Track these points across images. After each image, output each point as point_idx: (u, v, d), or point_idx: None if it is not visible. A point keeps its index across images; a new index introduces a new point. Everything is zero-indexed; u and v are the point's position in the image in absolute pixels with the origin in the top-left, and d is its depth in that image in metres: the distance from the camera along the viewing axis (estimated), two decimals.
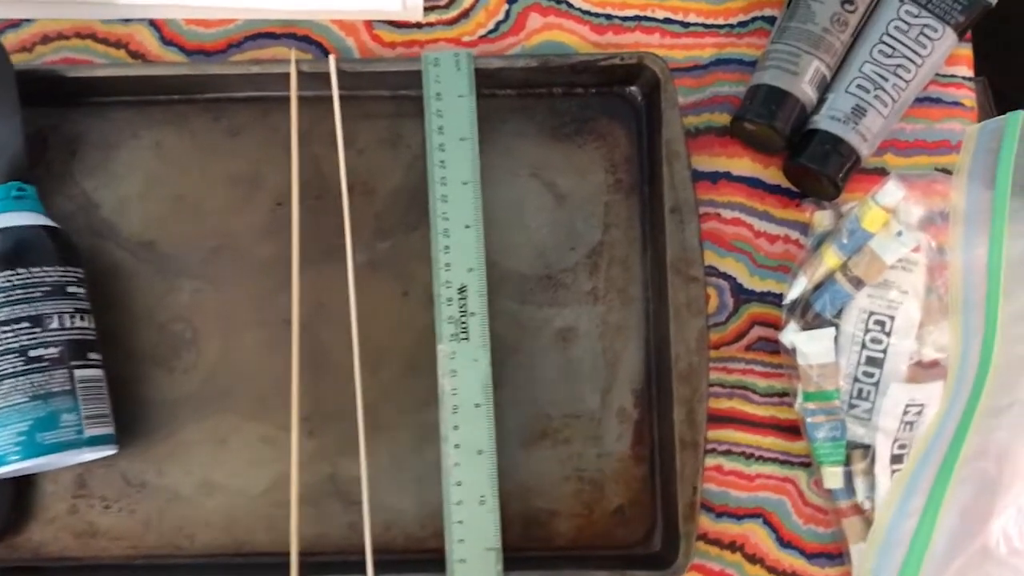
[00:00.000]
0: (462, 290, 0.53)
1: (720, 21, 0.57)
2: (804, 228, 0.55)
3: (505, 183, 0.56)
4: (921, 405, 0.50)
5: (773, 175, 0.56)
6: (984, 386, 0.48)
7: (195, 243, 0.55)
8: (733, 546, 0.53)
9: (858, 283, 0.50)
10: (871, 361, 0.51)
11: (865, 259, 0.50)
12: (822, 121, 0.53)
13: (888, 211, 0.50)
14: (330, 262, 0.55)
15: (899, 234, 0.49)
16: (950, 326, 0.50)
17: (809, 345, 0.50)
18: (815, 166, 0.52)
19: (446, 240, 0.53)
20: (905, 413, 0.50)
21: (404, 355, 0.54)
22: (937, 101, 0.56)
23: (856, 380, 0.51)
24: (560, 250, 0.55)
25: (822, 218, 0.53)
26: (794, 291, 0.52)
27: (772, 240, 0.55)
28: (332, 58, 0.54)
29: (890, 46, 0.53)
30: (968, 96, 0.56)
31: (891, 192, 0.49)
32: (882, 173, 0.55)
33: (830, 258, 0.51)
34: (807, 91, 0.53)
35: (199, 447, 0.54)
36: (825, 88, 0.54)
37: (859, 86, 0.53)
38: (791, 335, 0.52)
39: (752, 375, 0.54)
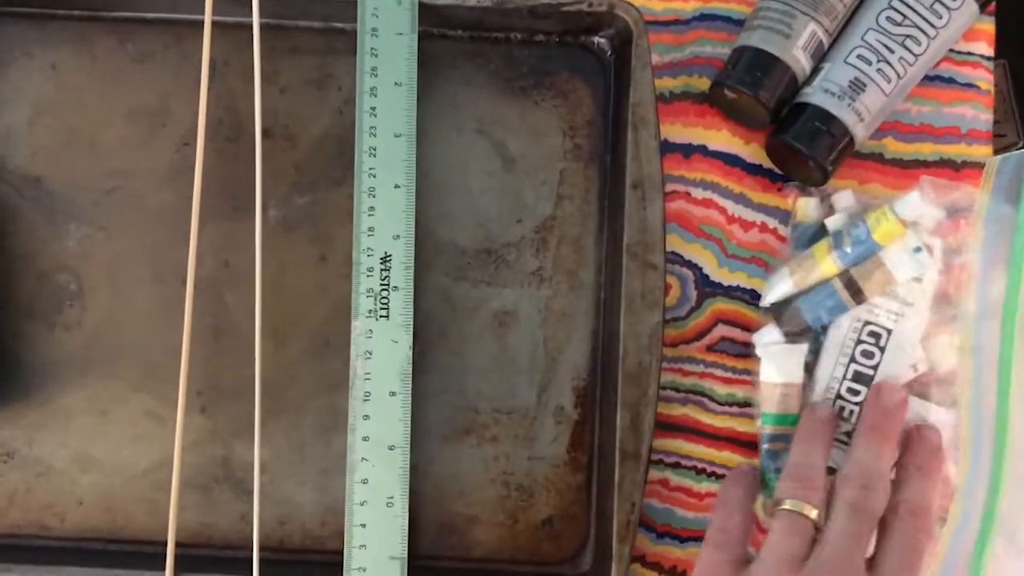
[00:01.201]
0: (385, 259, 0.46)
1: None
2: (784, 216, 0.48)
3: (446, 139, 0.49)
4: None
5: (754, 153, 0.49)
6: (1006, 448, 0.42)
7: (87, 183, 0.48)
8: (673, 572, 0.47)
9: (859, 295, 0.43)
10: (859, 377, 0.45)
11: (873, 272, 0.43)
12: (814, 94, 0.46)
13: (906, 224, 0.43)
14: (240, 216, 0.48)
15: (917, 250, 0.42)
16: (960, 370, 0.44)
17: (777, 359, 0.44)
18: (802, 146, 0.45)
19: (371, 200, 0.46)
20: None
21: (316, 329, 0.47)
22: (949, 81, 0.49)
23: (839, 397, 0.45)
24: (504, 221, 0.48)
25: (806, 206, 0.46)
26: (776, 292, 0.45)
27: (747, 227, 0.48)
28: None
29: (900, 12, 0.46)
30: (985, 78, 0.49)
31: (914, 205, 0.42)
32: (879, 160, 0.48)
33: (827, 264, 0.44)
34: (800, 58, 0.46)
35: (77, 417, 0.47)
36: (821, 56, 0.46)
37: (860, 56, 0.46)
38: (767, 339, 0.45)
39: (711, 380, 0.48)
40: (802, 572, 0.40)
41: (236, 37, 0.48)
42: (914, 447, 0.43)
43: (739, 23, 0.49)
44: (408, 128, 0.46)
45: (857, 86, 0.45)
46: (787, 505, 0.41)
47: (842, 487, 0.42)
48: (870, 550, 0.41)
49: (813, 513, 0.41)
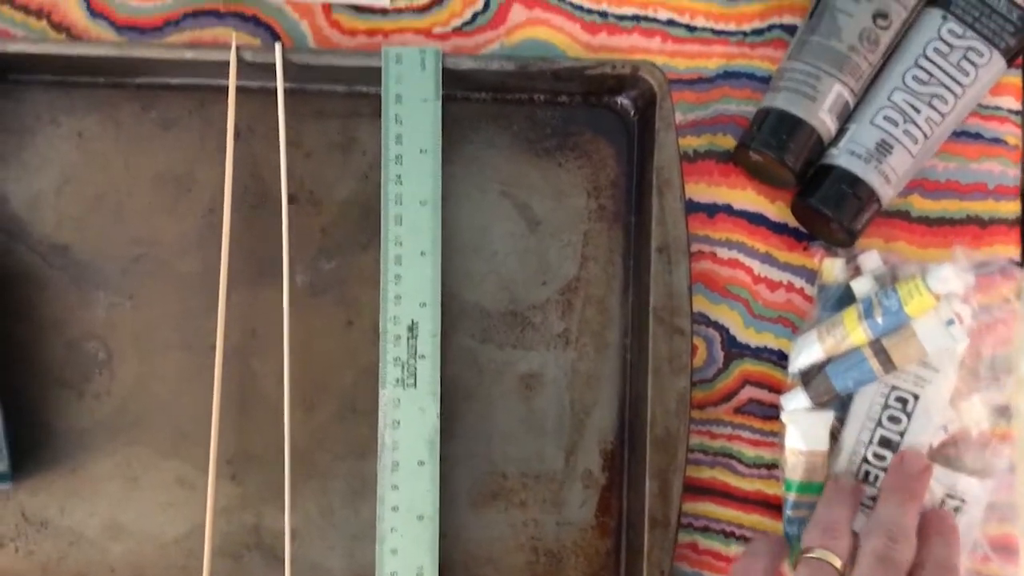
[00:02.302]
0: (412, 328, 0.46)
1: (731, 27, 0.49)
2: (811, 275, 0.48)
3: (471, 201, 0.49)
4: (960, 500, 0.44)
5: (780, 211, 0.48)
6: None
7: (115, 250, 0.48)
8: None
9: (889, 365, 0.43)
10: (885, 442, 0.44)
11: (904, 343, 0.43)
12: (840, 156, 0.45)
13: (939, 297, 0.43)
14: (267, 282, 0.48)
15: (949, 323, 0.42)
16: (1016, 431, 0.43)
17: (804, 427, 0.44)
18: (828, 210, 0.45)
19: (397, 268, 0.46)
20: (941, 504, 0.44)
21: (343, 394, 0.47)
22: (976, 136, 0.48)
23: (865, 462, 0.45)
24: (530, 284, 0.48)
25: (832, 268, 0.46)
26: (804, 358, 0.45)
27: (773, 287, 0.48)
28: (278, 47, 0.47)
29: (927, 71, 0.46)
30: (1013, 132, 0.48)
31: (947, 279, 0.42)
32: (905, 218, 0.48)
33: (856, 334, 0.44)
34: (825, 120, 0.45)
35: (108, 484, 0.47)
36: (847, 117, 0.46)
37: (887, 118, 0.45)
38: (794, 405, 0.45)
39: (739, 442, 0.48)
40: None
41: (260, 102, 0.48)
42: (931, 519, 0.43)
43: (763, 80, 0.49)
44: (434, 196, 0.46)
45: (884, 148, 0.45)
46: (814, 554, 0.41)
47: (866, 539, 0.41)
48: None
49: (838, 563, 0.41)
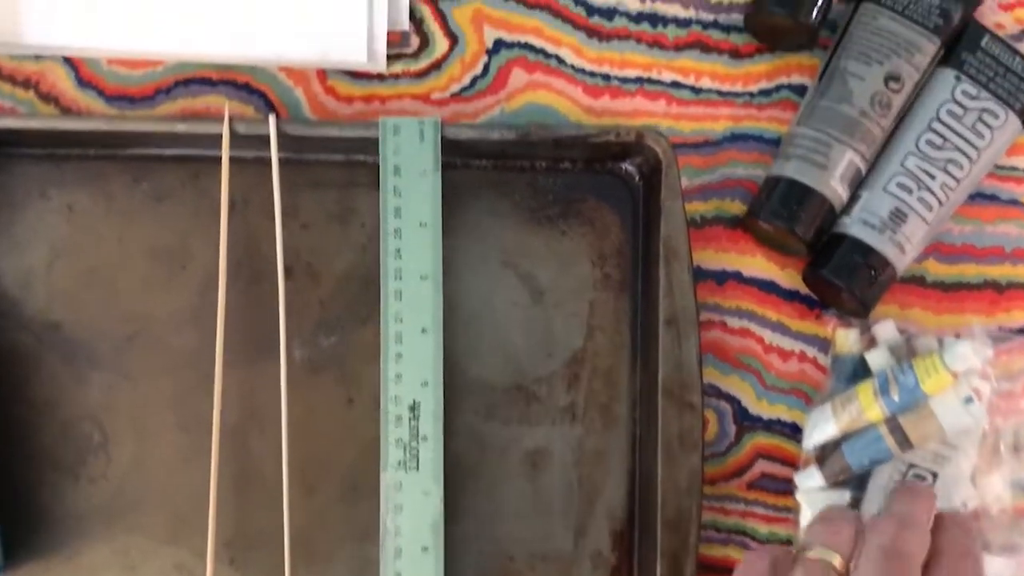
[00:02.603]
0: (414, 408, 0.45)
1: (738, 88, 0.48)
2: (824, 344, 0.46)
3: (473, 272, 0.47)
4: None
5: (790, 279, 0.47)
6: None
7: (108, 328, 0.47)
8: None
9: (907, 444, 0.42)
10: None
11: (921, 421, 0.41)
12: (853, 225, 0.44)
13: (957, 375, 0.41)
14: (265, 358, 0.46)
15: (968, 401, 0.41)
16: None
17: (819, 507, 0.42)
18: (841, 281, 0.43)
19: (398, 346, 0.45)
20: None
21: (344, 474, 0.46)
22: (992, 198, 0.47)
23: None
24: (534, 356, 0.47)
25: (846, 339, 0.45)
26: (818, 434, 0.44)
27: (785, 357, 0.47)
28: (272, 119, 0.46)
29: (940, 135, 0.44)
30: None
31: (965, 357, 0.41)
32: (920, 283, 0.47)
33: (872, 410, 0.42)
34: (837, 189, 0.44)
35: (105, 572, 0.46)
36: (859, 183, 0.45)
37: (900, 185, 0.44)
38: (809, 483, 0.44)
39: (753, 519, 0.46)
40: None
41: (255, 172, 0.47)
42: (945, 514, 0.39)
43: (772, 143, 0.47)
44: (435, 270, 0.45)
45: (898, 217, 0.43)
46: (812, 552, 0.37)
47: (872, 533, 0.37)
48: None
49: (838, 561, 0.36)
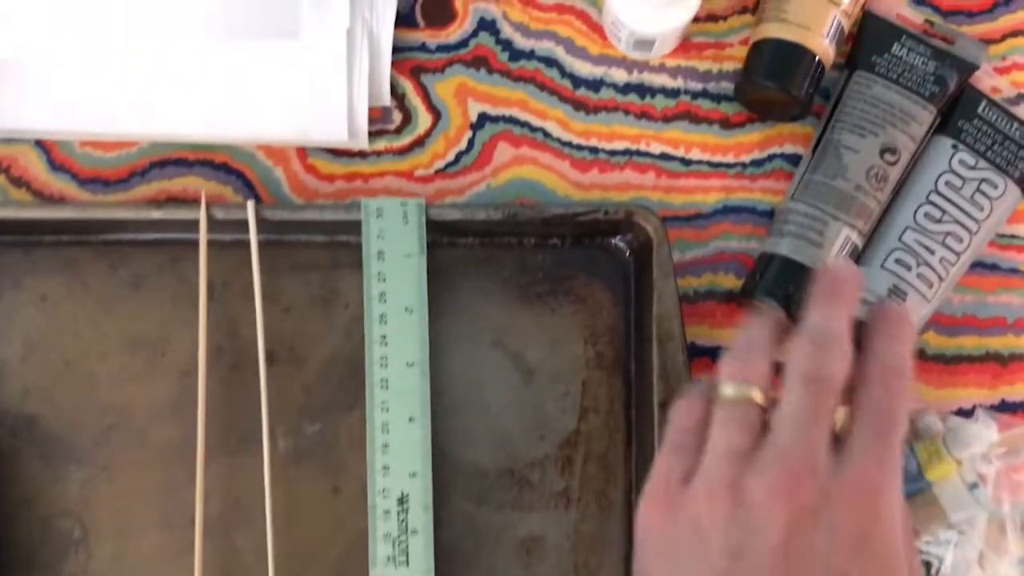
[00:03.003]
0: (402, 500, 0.43)
1: (729, 159, 0.47)
2: None
3: (462, 353, 0.46)
4: None
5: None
6: None
7: (86, 420, 0.45)
8: None
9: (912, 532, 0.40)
10: None
11: (925, 508, 0.40)
12: None
13: (961, 462, 0.40)
14: (248, 448, 0.45)
15: (973, 487, 0.40)
16: None
17: None
18: None
19: (385, 437, 0.43)
20: None
21: (332, 567, 0.44)
22: (992, 267, 0.46)
23: None
24: (526, 439, 0.45)
25: (846, 418, 0.44)
26: None
27: None
28: (251, 205, 0.44)
29: (939, 208, 0.43)
30: None
31: (969, 444, 0.40)
32: (921, 357, 0.45)
33: None
34: None
35: None
36: (856, 259, 0.44)
37: (898, 261, 0.43)
38: None
39: None
40: (752, 467, 0.32)
41: (235, 256, 0.46)
42: (878, 315, 0.35)
43: (765, 215, 0.46)
44: (421, 356, 0.44)
45: (897, 295, 0.42)
46: (729, 390, 0.34)
47: (790, 362, 0.34)
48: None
49: (757, 395, 0.34)
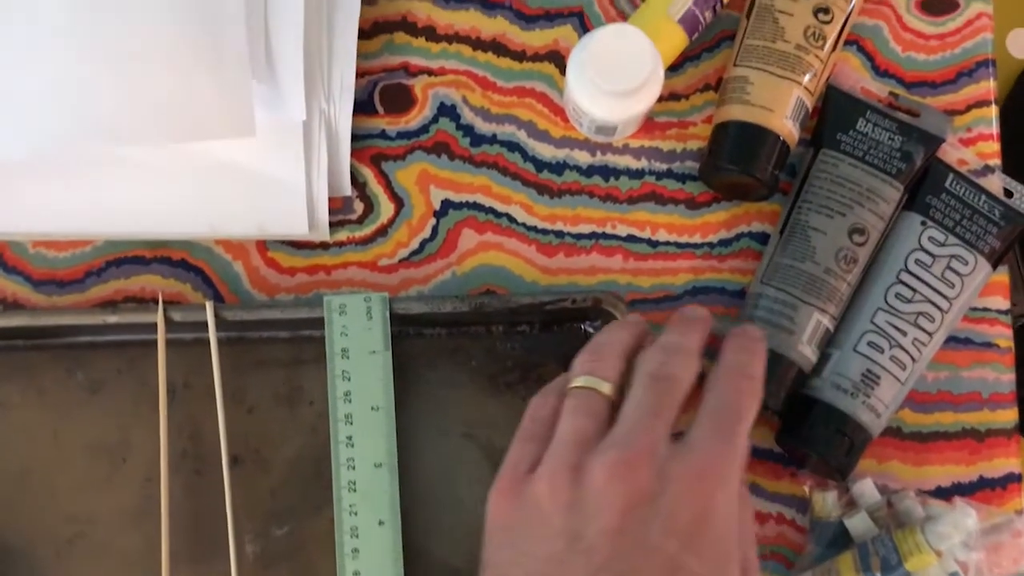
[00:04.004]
0: None
1: (697, 239, 0.46)
2: (801, 504, 0.44)
3: (432, 446, 0.45)
4: None
5: (763, 437, 0.45)
6: None
7: (47, 532, 0.44)
8: None
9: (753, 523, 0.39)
10: None
11: None
12: (824, 389, 0.42)
13: (940, 553, 0.40)
14: (214, 554, 0.43)
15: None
16: None
17: None
18: (816, 451, 0.41)
19: (354, 541, 0.42)
20: None
21: None
22: (965, 341, 0.45)
23: None
24: None
25: (824, 502, 0.43)
26: None
27: (762, 520, 0.44)
28: (210, 306, 0.43)
29: (910, 287, 0.43)
30: (1004, 335, 0.45)
31: (948, 536, 0.39)
32: (897, 435, 0.45)
33: None
34: (805, 352, 0.42)
35: None
36: (828, 341, 0.43)
37: (871, 343, 0.42)
38: None
39: None
40: (594, 452, 0.34)
41: (196, 355, 0.45)
42: (733, 333, 0.37)
43: (735, 295, 0.46)
44: (389, 456, 0.43)
45: (870, 379, 0.42)
46: (579, 381, 0.36)
47: (640, 362, 0.36)
48: None
49: (607, 388, 0.35)
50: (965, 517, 0.40)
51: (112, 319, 0.44)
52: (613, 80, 0.41)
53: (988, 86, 0.47)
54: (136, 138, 0.41)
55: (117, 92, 0.41)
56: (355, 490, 0.43)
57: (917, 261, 0.43)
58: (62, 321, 0.44)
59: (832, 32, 0.44)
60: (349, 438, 0.43)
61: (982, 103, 0.47)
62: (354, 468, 0.43)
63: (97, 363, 0.45)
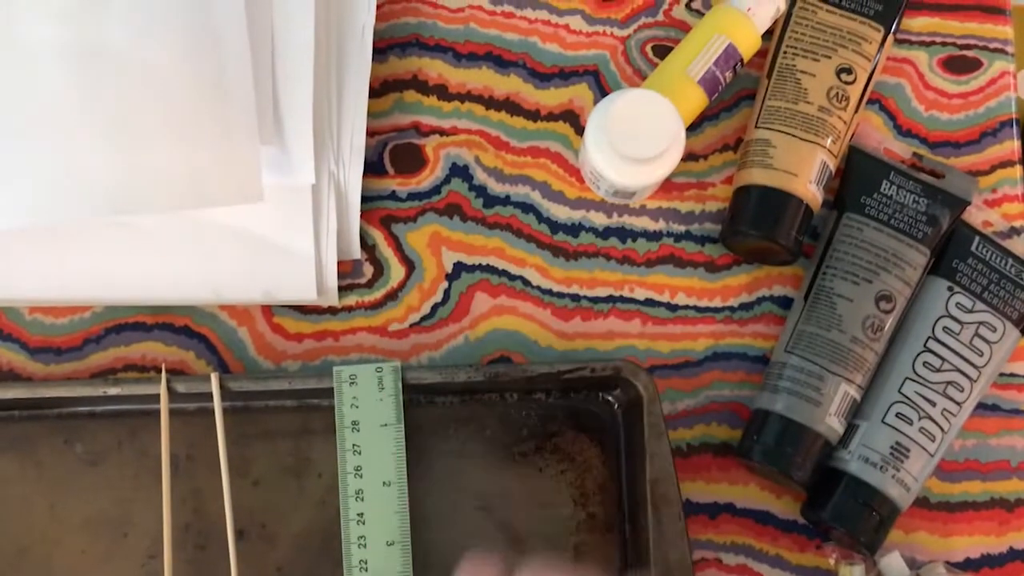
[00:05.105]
0: None
1: (717, 303, 0.45)
2: None
3: (445, 520, 0.43)
4: None
5: (787, 507, 0.44)
6: None
7: None
8: None
9: None
10: None
11: None
12: (852, 462, 0.41)
13: None
14: None
15: None
16: None
17: None
18: (844, 527, 0.40)
19: None
20: None
21: None
22: (993, 408, 0.44)
23: None
24: None
25: (852, 575, 0.42)
26: None
27: None
28: (215, 378, 0.42)
29: (938, 355, 0.41)
30: None
31: None
32: (924, 504, 0.43)
33: None
34: (832, 424, 0.41)
35: None
36: (855, 412, 0.42)
37: (899, 415, 0.41)
38: None
39: None
40: None
41: (199, 425, 0.43)
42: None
43: (758, 360, 0.44)
44: (402, 534, 0.41)
45: (899, 452, 0.40)
46: None
47: None
48: None
49: None
50: None
51: (113, 391, 0.42)
52: (634, 147, 0.40)
53: (1012, 146, 0.46)
54: (139, 208, 0.40)
55: (119, 161, 0.39)
56: (367, 570, 0.41)
57: (945, 328, 0.42)
58: (61, 393, 0.42)
59: (855, 93, 0.43)
60: (360, 515, 0.41)
61: (1007, 163, 0.46)
62: (366, 546, 0.41)
63: (96, 434, 0.43)
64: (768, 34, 0.45)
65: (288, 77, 0.42)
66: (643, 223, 0.45)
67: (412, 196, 0.45)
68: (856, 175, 0.43)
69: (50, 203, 0.39)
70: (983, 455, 0.44)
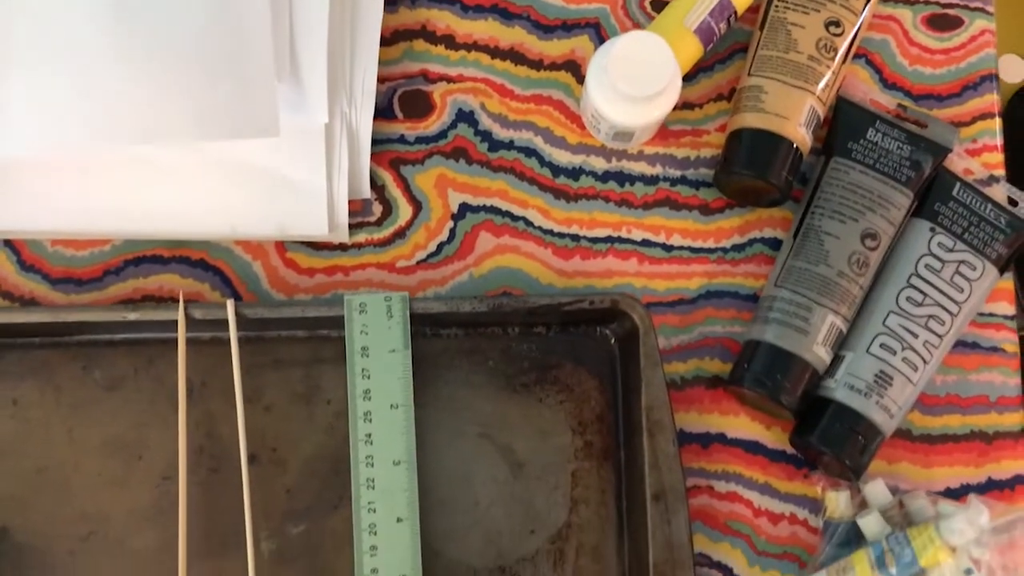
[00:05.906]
0: None
1: (710, 244, 0.47)
2: (814, 504, 0.45)
3: (449, 447, 0.45)
4: None
5: (776, 438, 0.46)
6: None
7: (61, 530, 0.44)
8: None
9: None
10: None
11: None
12: (838, 390, 0.43)
13: (955, 549, 0.40)
14: (230, 552, 0.44)
15: (968, 572, 0.40)
16: None
17: None
18: (830, 450, 0.42)
19: (372, 539, 0.42)
20: None
21: None
22: (973, 346, 0.46)
23: None
24: (517, 534, 0.45)
25: (837, 502, 0.43)
26: None
27: (775, 520, 0.45)
28: (230, 304, 0.43)
29: (920, 291, 0.44)
30: (1010, 339, 0.46)
31: (962, 532, 0.40)
32: (907, 436, 0.45)
33: None
34: (819, 353, 0.43)
35: None
36: (841, 343, 0.44)
37: (883, 345, 0.43)
38: None
39: None
40: None
41: (213, 353, 0.45)
42: None
43: (748, 299, 0.46)
44: (408, 454, 0.43)
45: (883, 380, 0.42)
46: None
47: None
48: None
49: None
50: (978, 514, 0.40)
51: (132, 316, 0.44)
52: (634, 85, 0.42)
53: (992, 99, 0.48)
54: (163, 137, 0.42)
55: (146, 91, 0.41)
56: (374, 487, 0.43)
57: (927, 266, 0.44)
58: (81, 318, 0.44)
59: (843, 44, 0.45)
60: (368, 435, 0.43)
61: (986, 115, 0.48)
62: (373, 465, 0.43)
63: (114, 361, 0.45)
64: None
65: (305, 20, 0.44)
66: (641, 168, 0.47)
67: (420, 140, 0.47)
68: (844, 123, 0.46)
69: (74, 129, 0.41)
70: (963, 390, 0.46)
